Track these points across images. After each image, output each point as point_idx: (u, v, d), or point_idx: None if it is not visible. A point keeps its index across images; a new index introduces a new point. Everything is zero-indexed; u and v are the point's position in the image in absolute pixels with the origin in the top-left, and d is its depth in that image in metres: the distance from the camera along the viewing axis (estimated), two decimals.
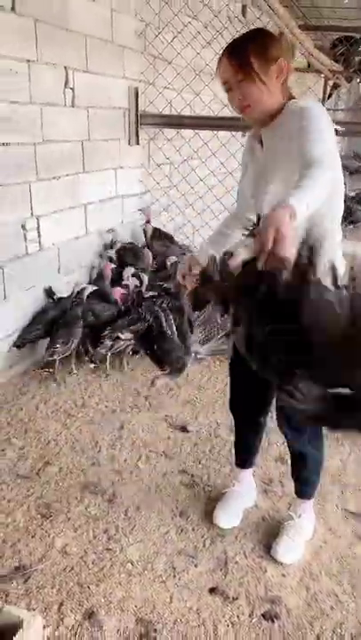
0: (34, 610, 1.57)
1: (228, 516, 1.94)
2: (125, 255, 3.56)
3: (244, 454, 2.02)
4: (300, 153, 1.30)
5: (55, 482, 2.12)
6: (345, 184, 1.53)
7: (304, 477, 1.85)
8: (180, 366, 2.43)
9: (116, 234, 3.64)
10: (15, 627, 1.31)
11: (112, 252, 3.51)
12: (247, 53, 1.43)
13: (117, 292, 3.13)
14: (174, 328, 2.55)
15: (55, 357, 2.82)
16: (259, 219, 1.16)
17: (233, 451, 2.08)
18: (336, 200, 1.49)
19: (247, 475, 2.04)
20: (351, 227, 6.58)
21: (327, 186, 1.24)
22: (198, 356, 3.15)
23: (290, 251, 1.04)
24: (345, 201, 1.55)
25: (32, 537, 1.85)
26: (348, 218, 6.60)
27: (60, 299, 3.08)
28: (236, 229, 1.71)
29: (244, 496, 2.00)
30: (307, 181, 1.19)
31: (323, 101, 7.85)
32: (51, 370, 2.91)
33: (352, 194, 7.19)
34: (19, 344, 2.86)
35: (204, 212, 4.05)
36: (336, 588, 1.71)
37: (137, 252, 3.65)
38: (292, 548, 1.82)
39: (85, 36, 3.11)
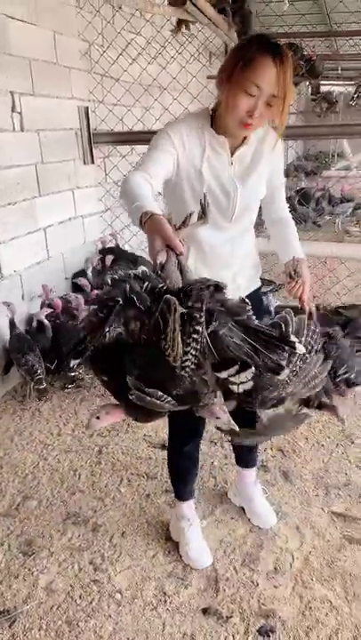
0: None
1: (203, 555, 1.84)
2: None
3: (192, 483, 1.93)
4: (280, 206, 1.74)
5: (35, 516, 2.06)
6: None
7: (248, 449, 1.93)
8: None
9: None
10: None
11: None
12: (291, 82, 1.37)
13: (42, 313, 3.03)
14: None
15: (42, 384, 2.78)
16: (294, 269, 1.52)
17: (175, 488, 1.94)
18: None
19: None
20: (298, 224, 6.67)
21: None
22: None
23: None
24: (290, 197, 1.69)
25: (15, 577, 1.79)
26: (293, 214, 6.71)
27: None
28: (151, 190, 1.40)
29: (198, 525, 1.93)
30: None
31: None
32: (47, 397, 2.88)
33: (292, 192, 7.28)
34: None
35: None
36: (329, 594, 1.70)
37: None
38: (270, 511, 1.98)
39: (29, 60, 3.08)
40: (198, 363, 1.08)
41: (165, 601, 1.69)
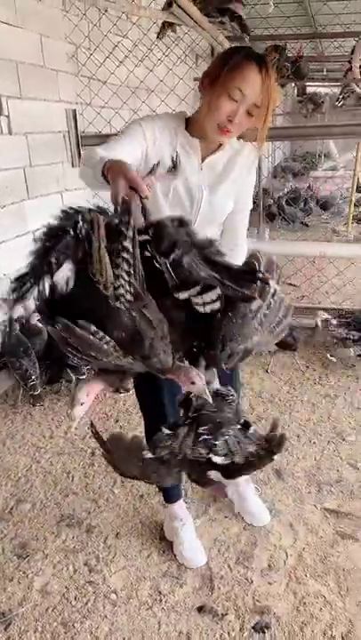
0: None
1: (198, 554, 1.85)
2: None
3: (178, 484, 1.90)
4: (240, 230, 1.66)
5: (29, 519, 2.05)
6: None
7: None
8: None
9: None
10: None
11: None
12: (274, 95, 1.38)
13: None
14: None
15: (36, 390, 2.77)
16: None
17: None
18: None
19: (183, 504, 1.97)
20: (287, 224, 6.76)
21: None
22: None
23: None
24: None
25: (9, 580, 1.78)
26: (281, 215, 6.78)
27: None
28: None
29: (192, 524, 1.93)
30: None
31: None
32: (41, 403, 2.84)
33: (280, 193, 7.33)
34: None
35: None
36: (323, 589, 1.72)
37: None
38: (263, 509, 2.00)
39: (16, 63, 3.08)
40: (136, 293, 0.97)
41: (161, 600, 1.69)
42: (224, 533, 1.95)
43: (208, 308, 1.01)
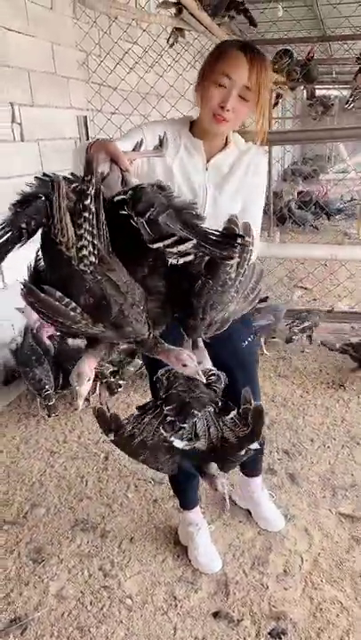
0: None
1: (213, 559, 1.84)
2: None
3: (194, 493, 1.90)
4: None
5: (44, 524, 2.06)
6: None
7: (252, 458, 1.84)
8: None
9: None
10: None
11: None
12: (266, 79, 1.37)
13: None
14: None
15: (50, 400, 2.71)
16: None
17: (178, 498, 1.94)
18: None
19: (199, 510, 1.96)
20: (297, 227, 6.75)
21: None
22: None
23: None
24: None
25: (25, 585, 1.79)
26: (292, 218, 6.78)
27: None
28: None
29: (207, 529, 1.93)
30: None
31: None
32: (56, 413, 2.80)
33: (290, 197, 7.31)
34: None
35: None
36: (339, 595, 1.70)
37: None
38: (278, 514, 2.00)
39: (28, 71, 3.11)
40: (100, 255, 0.95)
41: (176, 605, 1.69)
42: (239, 538, 1.94)
43: (182, 260, 0.96)
